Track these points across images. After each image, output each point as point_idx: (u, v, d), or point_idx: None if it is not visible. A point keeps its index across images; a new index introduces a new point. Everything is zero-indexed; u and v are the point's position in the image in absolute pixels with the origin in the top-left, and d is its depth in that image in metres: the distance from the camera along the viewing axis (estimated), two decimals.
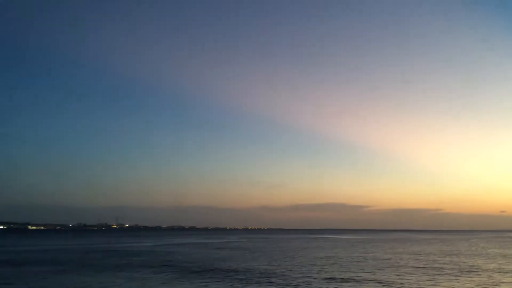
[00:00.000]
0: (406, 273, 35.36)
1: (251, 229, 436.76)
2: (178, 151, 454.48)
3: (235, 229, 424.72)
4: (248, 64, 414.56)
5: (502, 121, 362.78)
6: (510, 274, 35.24)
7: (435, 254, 58.89)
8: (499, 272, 36.89)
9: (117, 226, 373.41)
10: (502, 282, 30.12)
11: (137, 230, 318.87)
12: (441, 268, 39.98)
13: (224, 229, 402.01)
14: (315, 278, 31.30)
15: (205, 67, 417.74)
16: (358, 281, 29.90)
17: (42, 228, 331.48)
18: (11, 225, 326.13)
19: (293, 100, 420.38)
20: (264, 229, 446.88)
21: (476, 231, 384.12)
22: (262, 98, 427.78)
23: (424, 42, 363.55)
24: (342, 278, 31.30)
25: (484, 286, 28.23)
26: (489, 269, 39.38)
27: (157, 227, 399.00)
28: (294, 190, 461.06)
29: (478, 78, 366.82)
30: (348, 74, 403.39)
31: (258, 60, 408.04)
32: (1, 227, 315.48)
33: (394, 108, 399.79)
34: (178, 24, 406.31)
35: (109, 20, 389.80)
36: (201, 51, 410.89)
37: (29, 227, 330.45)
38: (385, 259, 49.51)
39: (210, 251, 65.36)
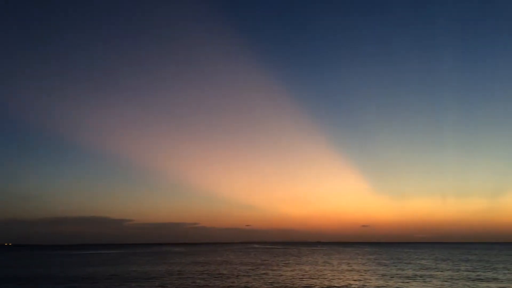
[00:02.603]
0: (166, 284, 36.99)
1: None
2: None
3: None
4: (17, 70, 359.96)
5: (263, 142, 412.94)
6: (254, 277, 40.92)
7: (188, 264, 63.08)
8: (246, 276, 42.42)
9: None
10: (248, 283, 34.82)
11: None
12: (192, 277, 43.30)
13: None
14: None
15: None
16: None
17: None
18: None
19: (58, 107, 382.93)
20: (8, 245, 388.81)
21: (227, 243, 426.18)
22: (29, 106, 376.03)
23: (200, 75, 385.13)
24: None
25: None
26: (238, 275, 44.84)
27: None
28: (51, 202, 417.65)
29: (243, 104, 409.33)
30: (122, 91, 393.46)
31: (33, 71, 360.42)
32: None
33: (162, 124, 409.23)
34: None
35: None
36: None
37: None
38: (143, 272, 50.39)
39: None
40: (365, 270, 51.71)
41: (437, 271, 50.75)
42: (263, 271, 50.05)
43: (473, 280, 39.71)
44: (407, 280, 39.59)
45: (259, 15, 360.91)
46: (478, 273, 48.01)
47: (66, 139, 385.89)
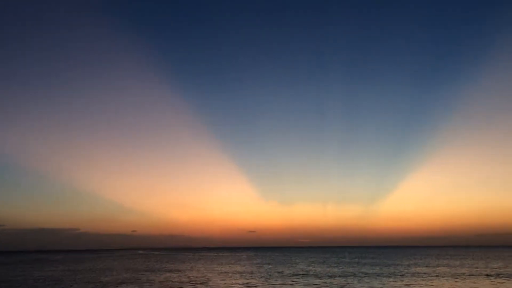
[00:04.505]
0: None
1: None
2: None
3: None
4: None
5: (152, 145, 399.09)
6: (138, 284, 40.43)
7: (66, 272, 59.68)
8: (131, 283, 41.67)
9: None
10: None
11: None
12: (70, 285, 41.40)
13: None
14: None
15: None
16: None
17: None
18: None
19: None
20: None
21: (112, 250, 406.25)
22: None
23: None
24: None
25: None
26: (122, 282, 43.83)
27: None
28: None
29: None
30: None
31: None
32: None
33: (41, 120, 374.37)
34: None
35: None
36: None
37: None
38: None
39: None
40: (247, 273, 54.13)
41: (312, 273, 55.18)
42: (148, 278, 49.64)
43: (340, 280, 44.20)
44: (286, 281, 42.63)
45: (160, 24, 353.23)
46: (347, 274, 53.33)
47: None
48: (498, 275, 48.47)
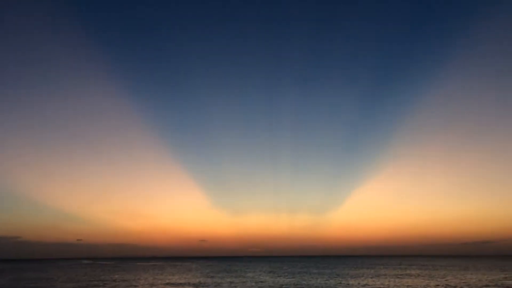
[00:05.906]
0: None
1: None
2: None
3: None
4: None
5: (100, 152, 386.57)
6: None
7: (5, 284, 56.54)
8: None
9: None
10: None
11: None
12: None
13: None
14: None
15: None
16: None
17: None
18: None
19: None
20: None
21: (55, 259, 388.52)
22: None
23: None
24: None
25: None
26: None
27: None
28: None
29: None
30: None
31: None
32: None
33: None
34: None
35: None
36: None
37: None
38: None
39: None
40: (196, 284, 53.44)
41: (261, 283, 55.36)
42: None
43: None
44: None
45: (110, 28, 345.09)
46: (296, 284, 53.90)
47: None
48: (441, 285, 50.74)
